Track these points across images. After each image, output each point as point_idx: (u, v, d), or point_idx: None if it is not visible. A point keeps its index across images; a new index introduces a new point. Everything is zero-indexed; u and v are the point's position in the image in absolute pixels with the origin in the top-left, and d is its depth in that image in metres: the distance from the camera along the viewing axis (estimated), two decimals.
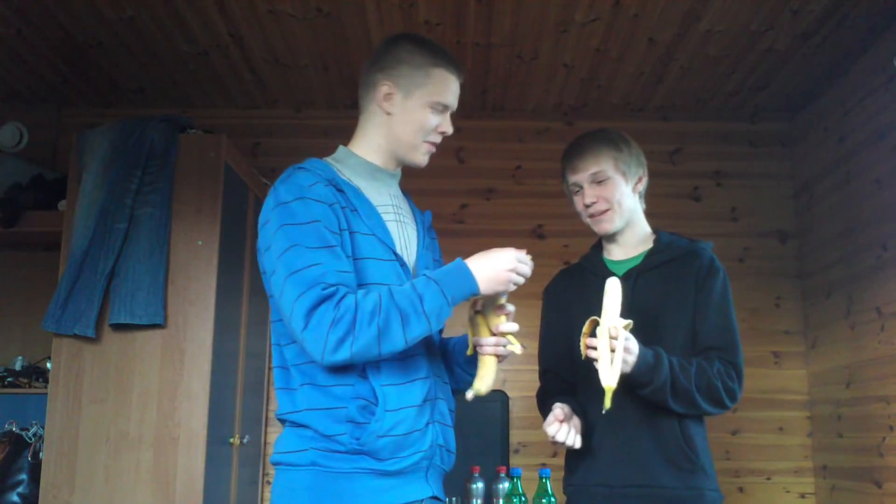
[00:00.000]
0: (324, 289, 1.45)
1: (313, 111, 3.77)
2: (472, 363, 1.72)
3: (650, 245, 2.03)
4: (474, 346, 1.68)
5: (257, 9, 2.86)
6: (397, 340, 1.47)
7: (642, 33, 3.02)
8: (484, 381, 1.65)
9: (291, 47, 3.16)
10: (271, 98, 3.68)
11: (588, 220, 2.03)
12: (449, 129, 1.73)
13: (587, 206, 2.00)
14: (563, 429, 1.82)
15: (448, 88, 1.70)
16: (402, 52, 1.69)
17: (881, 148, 2.99)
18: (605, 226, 2.00)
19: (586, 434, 1.95)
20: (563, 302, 2.08)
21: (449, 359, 1.77)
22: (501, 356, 1.67)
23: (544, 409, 2.08)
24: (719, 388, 1.84)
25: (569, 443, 1.83)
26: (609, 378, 1.70)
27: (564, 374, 2.05)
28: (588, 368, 1.88)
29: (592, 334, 1.76)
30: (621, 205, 1.99)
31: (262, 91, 3.60)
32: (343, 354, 1.45)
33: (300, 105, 3.76)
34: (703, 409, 1.86)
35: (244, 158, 3.23)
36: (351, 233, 1.56)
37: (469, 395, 1.64)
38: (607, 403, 1.70)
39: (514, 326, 1.65)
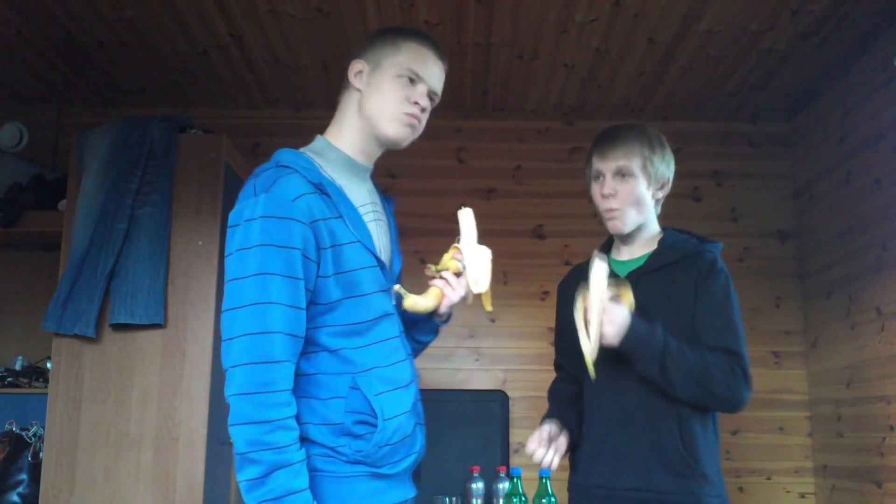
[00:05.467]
0: (265, 383, 1.42)
1: (313, 111, 3.77)
2: (421, 330, 1.80)
3: (656, 246, 2.02)
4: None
5: (257, 9, 2.86)
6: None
7: (642, 33, 3.02)
8: (421, 299, 1.69)
9: (291, 47, 3.16)
10: (271, 98, 3.68)
11: (603, 215, 2.02)
12: (423, 101, 1.66)
13: (604, 197, 1.98)
14: (540, 452, 1.88)
15: (418, 59, 1.66)
16: (377, 35, 1.71)
17: (881, 148, 2.99)
18: (617, 224, 1.98)
19: (588, 434, 1.96)
20: (571, 298, 2.09)
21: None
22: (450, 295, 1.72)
23: (547, 411, 2.11)
24: (720, 380, 1.81)
25: (545, 464, 1.88)
26: (584, 347, 1.77)
27: (573, 370, 2.06)
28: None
29: None
30: (637, 206, 1.97)
31: (262, 91, 3.60)
32: (239, 443, 1.43)
33: (300, 105, 3.76)
34: (702, 397, 1.83)
35: (244, 158, 3.23)
36: (336, 247, 1.53)
37: (398, 288, 1.67)
38: (591, 373, 1.76)
39: (459, 266, 1.71)
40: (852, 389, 3.17)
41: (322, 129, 1.73)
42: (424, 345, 1.84)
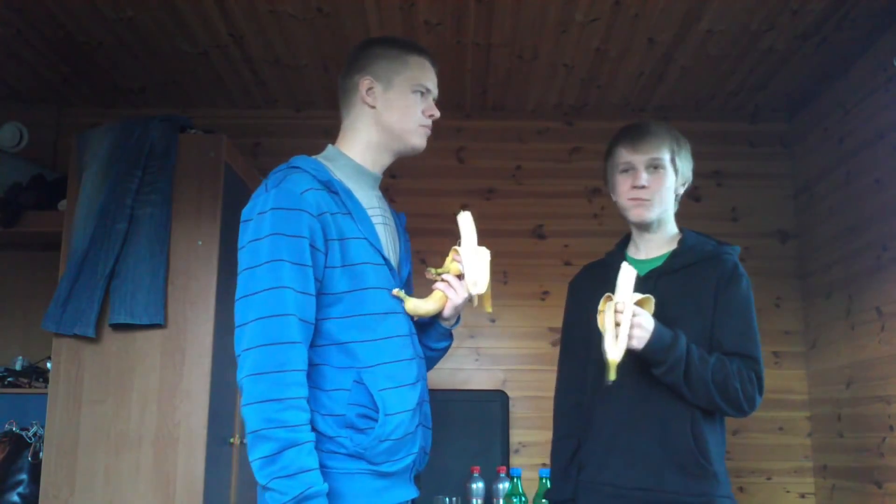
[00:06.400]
0: (280, 363, 1.45)
1: (313, 111, 3.77)
2: (430, 336, 1.80)
3: (675, 246, 2.02)
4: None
5: (257, 9, 2.86)
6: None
7: (642, 33, 3.02)
8: (422, 302, 1.69)
9: (291, 47, 3.16)
10: (271, 98, 3.68)
11: (626, 204, 2.00)
12: (436, 112, 1.78)
13: (637, 188, 1.97)
14: None
15: (425, 73, 1.76)
16: (376, 49, 1.76)
17: (881, 148, 2.99)
18: (643, 212, 1.98)
19: (598, 432, 1.96)
20: (584, 296, 2.08)
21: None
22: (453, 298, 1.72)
23: (555, 428, 2.12)
24: (737, 388, 1.83)
25: None
26: (612, 351, 1.74)
27: (579, 368, 2.07)
28: (600, 364, 1.89)
29: None
30: (663, 198, 1.99)
31: (262, 91, 3.60)
32: (251, 421, 1.46)
33: (300, 105, 3.76)
34: (718, 404, 1.84)
35: (244, 158, 3.22)
36: (343, 240, 1.58)
37: (396, 291, 1.66)
38: (611, 376, 1.73)
39: (460, 268, 1.72)
40: (852, 389, 3.17)
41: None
42: (438, 351, 1.84)
